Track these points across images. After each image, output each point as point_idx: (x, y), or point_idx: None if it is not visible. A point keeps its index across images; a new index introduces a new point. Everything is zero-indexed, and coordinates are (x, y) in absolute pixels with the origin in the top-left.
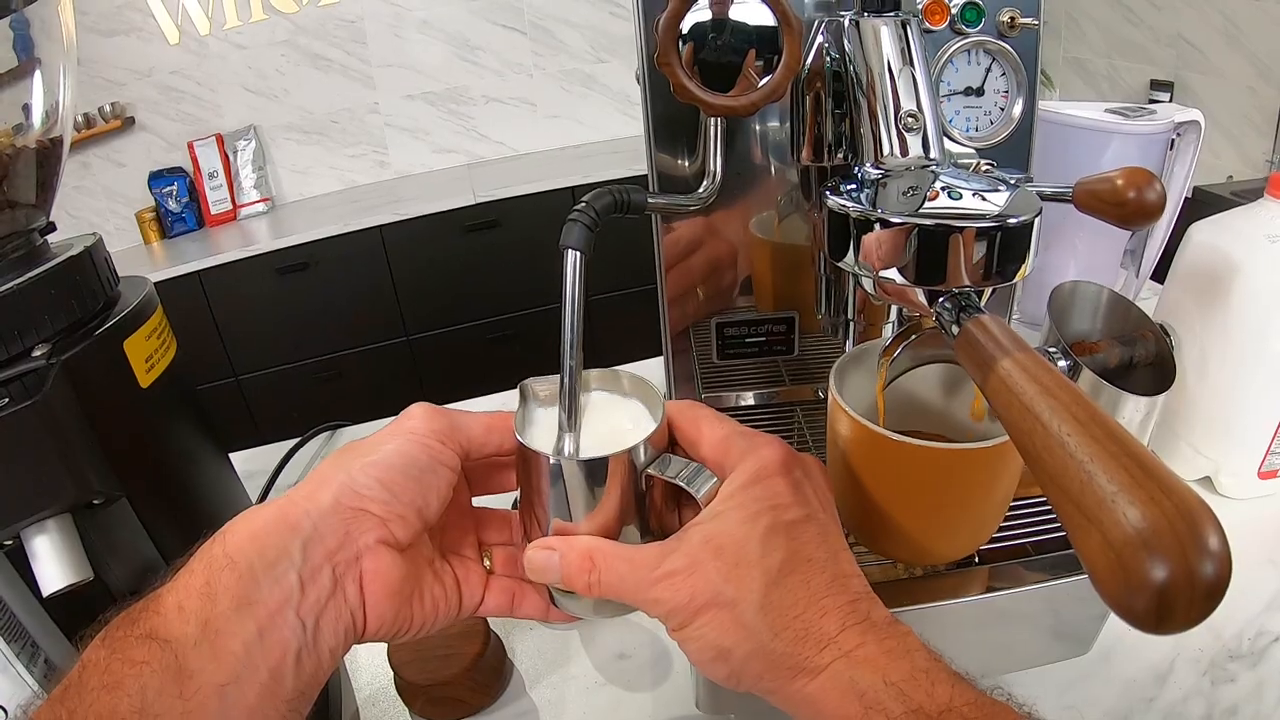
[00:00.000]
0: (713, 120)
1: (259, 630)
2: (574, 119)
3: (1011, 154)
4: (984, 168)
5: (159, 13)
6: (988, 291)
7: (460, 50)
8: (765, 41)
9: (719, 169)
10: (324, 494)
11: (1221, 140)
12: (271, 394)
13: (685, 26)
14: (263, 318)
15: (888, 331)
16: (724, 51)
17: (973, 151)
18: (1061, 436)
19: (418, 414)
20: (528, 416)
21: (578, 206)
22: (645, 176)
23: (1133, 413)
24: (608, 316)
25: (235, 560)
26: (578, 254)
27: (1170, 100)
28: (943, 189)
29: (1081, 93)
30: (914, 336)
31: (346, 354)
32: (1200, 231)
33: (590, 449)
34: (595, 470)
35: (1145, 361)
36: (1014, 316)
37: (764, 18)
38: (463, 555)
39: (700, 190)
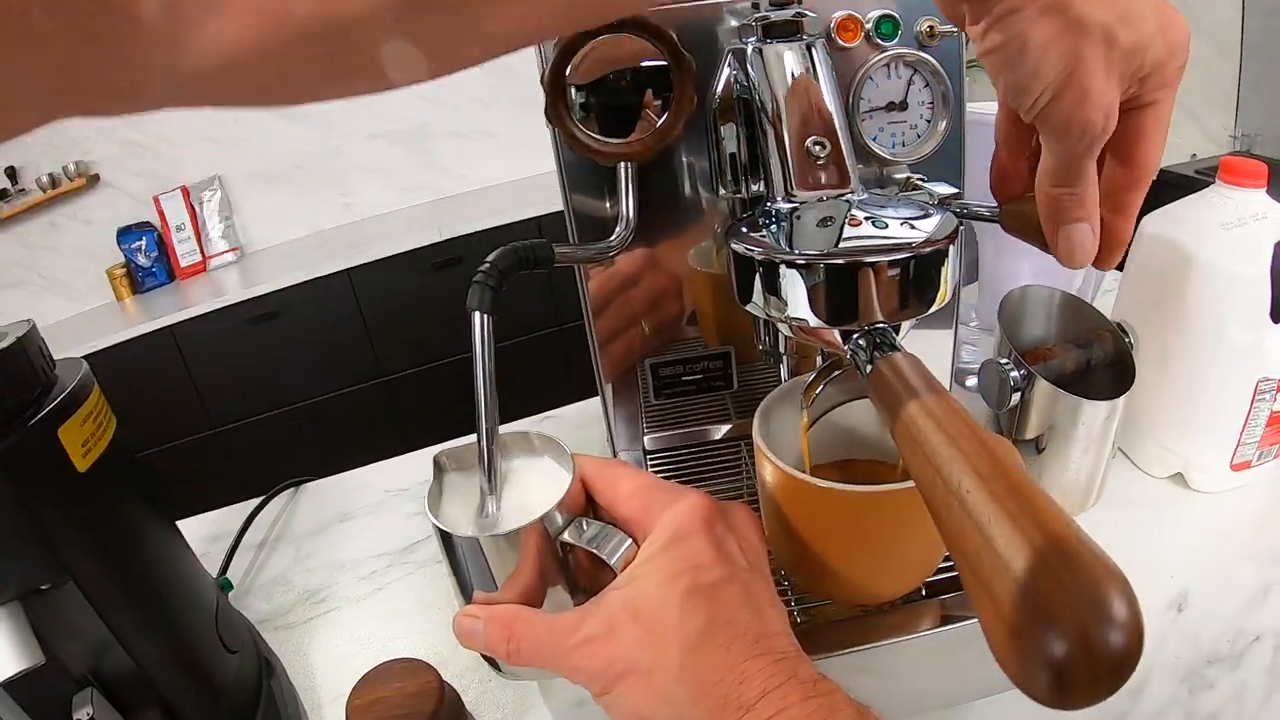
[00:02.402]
0: (622, 164)
1: None
2: (536, 147)
3: (942, 165)
4: (915, 182)
5: None
6: (907, 324)
7: (419, 87)
8: (662, 81)
9: (632, 214)
10: None
11: (1183, 120)
12: (252, 444)
13: (579, 73)
14: (238, 368)
15: (820, 364)
16: (621, 94)
17: (904, 166)
18: (961, 493)
19: None
20: (443, 488)
21: (482, 268)
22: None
23: (1092, 417)
24: (540, 355)
25: None
26: (485, 316)
27: None
28: (857, 218)
29: None
30: (836, 373)
31: (324, 399)
32: (1152, 224)
33: (501, 520)
34: (509, 543)
35: (1104, 363)
36: (972, 324)
37: (659, 57)
38: None
39: (612, 238)
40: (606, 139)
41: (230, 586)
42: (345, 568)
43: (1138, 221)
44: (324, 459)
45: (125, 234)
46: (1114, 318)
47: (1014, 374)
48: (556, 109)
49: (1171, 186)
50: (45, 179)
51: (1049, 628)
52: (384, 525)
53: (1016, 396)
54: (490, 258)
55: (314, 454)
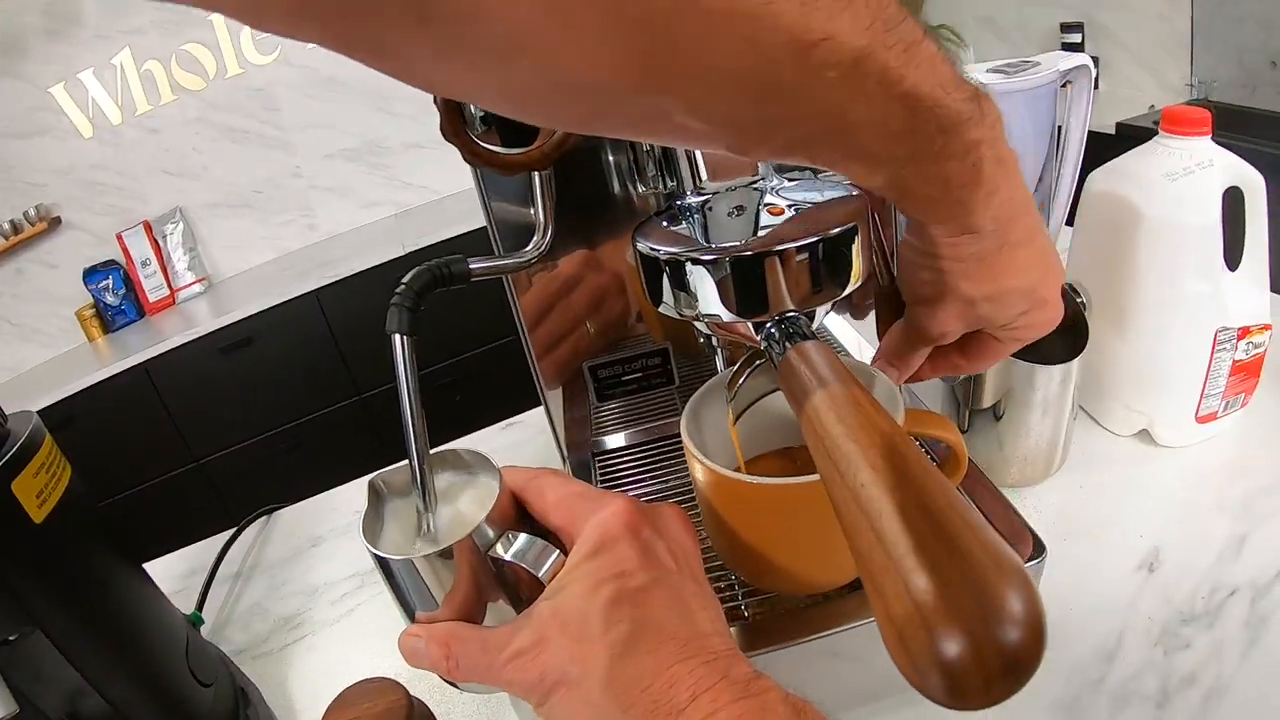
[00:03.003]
0: (533, 173)
1: None
2: None
3: None
4: None
5: (69, 109)
6: (822, 309)
7: (373, 101)
8: None
9: (549, 221)
10: None
11: (1140, 72)
12: (235, 474)
13: None
14: (214, 399)
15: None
16: None
17: None
18: (855, 488)
19: None
20: (380, 512)
21: (398, 290)
22: None
23: (1047, 381)
24: (507, 362)
25: None
26: (404, 338)
27: (1082, 40)
28: (771, 206)
29: (995, 48)
30: (758, 363)
31: (303, 422)
32: (1097, 181)
33: (435, 538)
34: (441, 561)
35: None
36: None
37: None
38: None
39: (529, 247)
40: (507, 150)
41: (201, 621)
42: (319, 592)
43: (1084, 179)
44: (307, 481)
45: (91, 274)
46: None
47: None
48: (453, 124)
49: (1131, 140)
50: (7, 226)
51: (936, 629)
52: (353, 547)
53: None
54: (405, 279)
55: (296, 477)
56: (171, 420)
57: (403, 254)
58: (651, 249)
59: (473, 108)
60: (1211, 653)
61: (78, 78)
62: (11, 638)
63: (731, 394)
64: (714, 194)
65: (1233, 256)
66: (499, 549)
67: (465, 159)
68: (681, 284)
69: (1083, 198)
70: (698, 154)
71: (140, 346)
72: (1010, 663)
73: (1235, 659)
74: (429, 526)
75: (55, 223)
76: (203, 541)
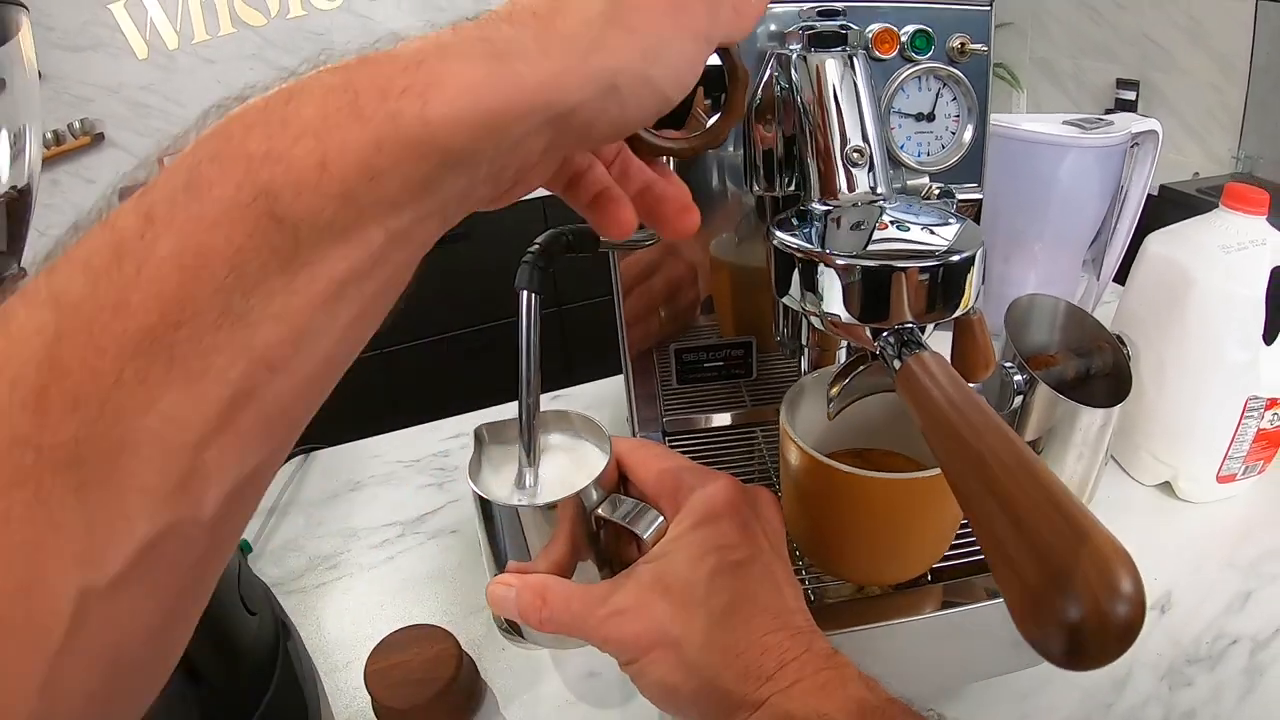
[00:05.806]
0: (664, 158)
1: None
2: None
3: (964, 177)
4: (935, 191)
5: (126, 27)
6: (930, 325)
7: None
8: (713, 81)
9: None
10: None
11: (1186, 138)
12: None
13: None
14: None
15: (841, 356)
16: None
17: (925, 178)
18: (989, 482)
19: None
20: (483, 460)
21: (531, 249)
22: None
23: (1089, 424)
24: (580, 326)
25: None
26: (533, 295)
27: (1136, 99)
28: (890, 223)
29: (1048, 93)
30: (862, 368)
31: None
32: (1155, 243)
33: (541, 493)
34: (546, 514)
35: (1103, 372)
36: None
37: (711, 58)
38: None
39: None
40: (657, 133)
41: (249, 548)
42: (357, 535)
43: (1145, 237)
44: (322, 430)
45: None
46: (1113, 329)
47: (1017, 378)
48: None
49: (1173, 204)
50: (49, 136)
51: (1067, 597)
52: (396, 495)
53: (1018, 400)
54: (539, 240)
55: (313, 425)
56: None
57: None
58: (787, 244)
59: None
60: (1211, 694)
61: None
62: None
63: (836, 393)
64: (838, 205)
65: (1271, 331)
66: (604, 510)
67: None
68: (810, 281)
69: (1139, 256)
70: (828, 164)
71: None
72: (1122, 631)
73: (1232, 703)
74: (529, 481)
75: (98, 139)
76: None
